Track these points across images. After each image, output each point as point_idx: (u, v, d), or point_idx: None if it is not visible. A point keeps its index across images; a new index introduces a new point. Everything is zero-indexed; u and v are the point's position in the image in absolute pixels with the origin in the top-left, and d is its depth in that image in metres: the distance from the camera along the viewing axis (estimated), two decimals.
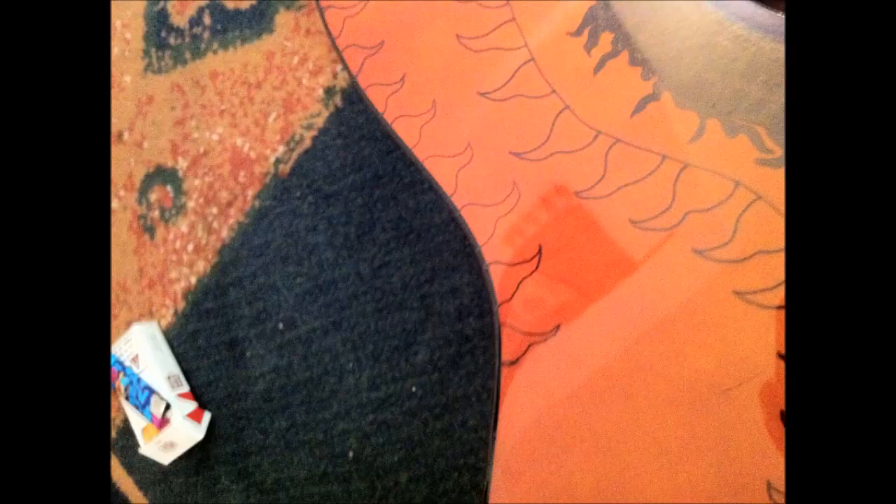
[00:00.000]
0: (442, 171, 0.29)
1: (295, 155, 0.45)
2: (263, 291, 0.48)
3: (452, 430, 0.44)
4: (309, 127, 0.44)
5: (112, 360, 0.52)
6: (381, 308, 0.45)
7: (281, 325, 0.48)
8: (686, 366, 0.22)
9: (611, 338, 0.24)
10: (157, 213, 0.52)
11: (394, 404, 0.46)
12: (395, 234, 0.44)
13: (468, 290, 0.43)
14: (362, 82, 0.31)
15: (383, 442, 0.47)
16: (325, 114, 0.44)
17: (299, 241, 0.47)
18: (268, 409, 0.50)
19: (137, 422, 0.52)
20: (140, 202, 0.53)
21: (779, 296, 0.21)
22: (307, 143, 0.44)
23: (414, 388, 0.45)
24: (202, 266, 0.51)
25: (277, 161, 0.46)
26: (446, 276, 0.43)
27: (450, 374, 0.44)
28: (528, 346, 0.26)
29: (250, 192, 0.47)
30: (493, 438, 0.28)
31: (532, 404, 0.26)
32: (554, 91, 0.26)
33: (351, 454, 0.48)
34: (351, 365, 0.47)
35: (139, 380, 0.51)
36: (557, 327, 0.26)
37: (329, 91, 0.43)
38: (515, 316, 0.27)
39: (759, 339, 0.21)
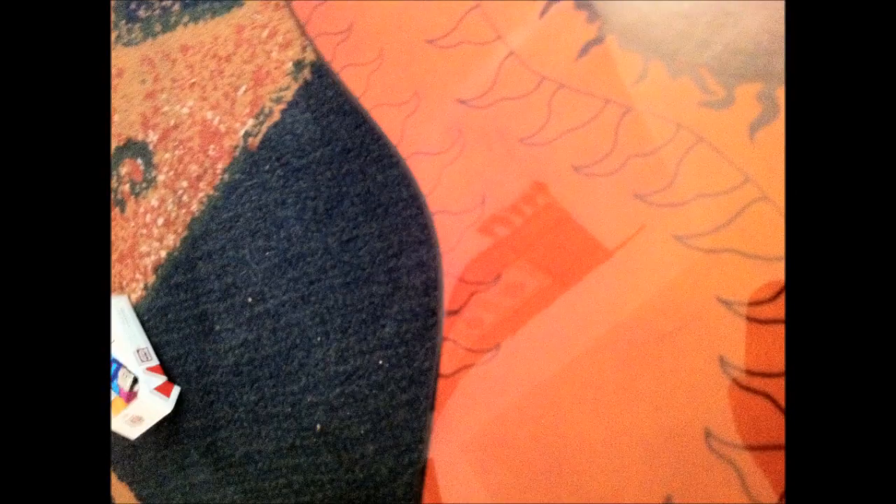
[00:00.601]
0: (388, 121, 0.29)
1: (264, 128, 0.45)
2: (233, 265, 0.48)
3: (418, 403, 0.45)
4: (278, 100, 0.44)
5: None
6: (348, 282, 0.45)
7: (250, 300, 0.48)
8: (625, 311, 0.22)
9: (548, 282, 0.25)
10: (127, 187, 0.52)
11: (361, 377, 0.46)
12: (363, 208, 0.44)
13: (434, 265, 0.43)
14: (310, 32, 0.31)
15: (350, 415, 0.47)
16: (294, 87, 0.44)
17: (268, 215, 0.47)
18: (237, 382, 0.50)
19: None
20: (111, 175, 0.53)
21: (718, 240, 0.21)
22: (276, 116, 0.45)
23: (381, 361, 0.46)
24: (172, 240, 0.51)
25: (247, 134, 0.46)
26: (413, 251, 0.44)
27: (416, 347, 0.44)
28: (472, 295, 0.27)
29: (220, 166, 0.47)
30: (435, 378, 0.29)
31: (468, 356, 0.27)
32: (499, 37, 0.26)
33: (318, 427, 0.48)
34: (319, 339, 0.47)
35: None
36: (499, 276, 0.26)
37: (298, 64, 0.43)
38: (460, 266, 0.27)
39: (699, 283, 0.21)
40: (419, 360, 0.44)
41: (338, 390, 0.47)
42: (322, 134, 0.44)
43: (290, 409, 0.49)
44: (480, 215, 0.27)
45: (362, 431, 0.47)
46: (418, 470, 0.46)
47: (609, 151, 0.24)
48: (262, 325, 0.48)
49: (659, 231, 0.22)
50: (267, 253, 0.47)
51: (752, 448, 0.19)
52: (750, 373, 0.19)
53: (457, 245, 0.29)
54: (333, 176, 0.44)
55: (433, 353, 0.44)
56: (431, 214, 0.28)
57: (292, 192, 0.46)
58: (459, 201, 0.27)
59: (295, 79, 0.44)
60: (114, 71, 0.51)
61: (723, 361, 0.20)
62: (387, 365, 0.46)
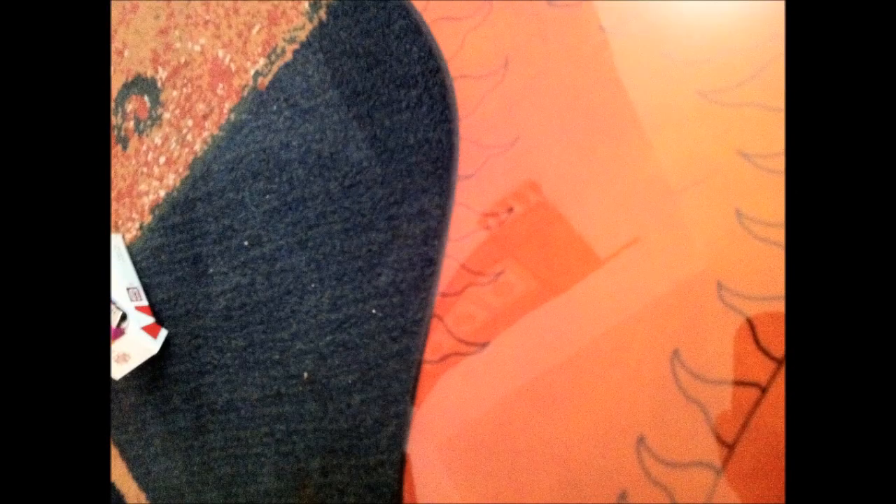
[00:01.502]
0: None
1: (275, 68, 0.45)
2: (231, 207, 0.48)
3: (408, 354, 0.44)
4: (291, 40, 0.44)
5: None
6: (347, 228, 0.45)
7: (246, 243, 0.48)
8: (646, 166, 0.22)
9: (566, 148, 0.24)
10: (131, 124, 0.52)
11: (353, 325, 0.46)
12: (368, 153, 0.44)
13: (436, 213, 0.43)
14: None
15: (339, 363, 0.46)
16: (309, 27, 0.44)
17: (271, 158, 0.47)
18: (226, 327, 0.50)
19: None
20: (115, 112, 0.52)
21: (741, 95, 0.21)
22: (288, 56, 0.45)
23: (374, 311, 0.45)
24: (172, 179, 0.50)
25: (257, 74, 0.46)
26: (415, 199, 0.44)
27: (411, 297, 0.44)
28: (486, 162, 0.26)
29: (227, 105, 0.47)
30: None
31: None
32: None
33: (306, 375, 0.47)
34: (313, 285, 0.47)
35: None
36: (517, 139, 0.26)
37: (314, 5, 0.44)
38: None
39: (720, 137, 0.21)
40: (412, 310, 0.44)
41: (328, 338, 0.47)
42: (333, 76, 0.44)
43: (278, 357, 0.48)
44: (502, 78, 0.27)
45: (350, 381, 0.46)
46: (397, 463, 0.45)
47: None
48: (256, 270, 0.48)
49: (682, 86, 0.22)
50: (267, 196, 0.47)
51: (763, 298, 0.19)
52: (766, 224, 0.19)
53: (475, 109, 0.28)
54: (341, 119, 0.44)
55: (427, 305, 0.44)
56: (451, 79, 0.28)
57: (298, 134, 0.46)
58: (481, 66, 0.27)
59: (310, 19, 0.44)
60: (128, 6, 0.51)
61: (739, 214, 0.20)
62: (380, 314, 0.45)
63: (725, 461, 0.20)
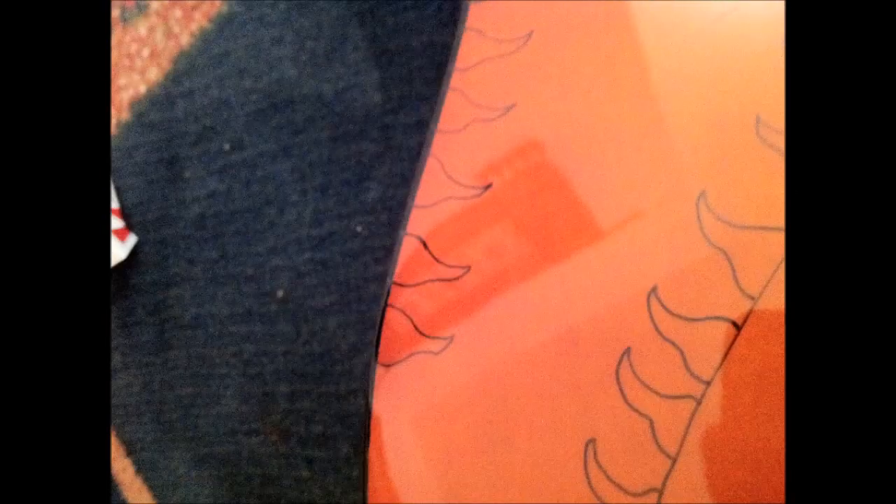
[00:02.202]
0: None
1: None
2: (214, 107, 0.45)
3: (390, 277, 0.41)
4: None
5: None
6: (337, 136, 0.42)
7: (227, 146, 0.45)
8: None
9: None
10: (117, 13, 0.48)
11: (335, 243, 0.43)
12: (366, 54, 0.41)
13: (433, 127, 0.40)
14: None
15: (317, 283, 0.43)
16: None
17: (262, 54, 0.43)
18: (199, 237, 0.46)
19: None
20: None
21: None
22: None
23: (359, 228, 0.42)
24: (154, 74, 0.46)
25: None
26: (413, 108, 0.40)
27: (398, 215, 0.41)
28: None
29: None
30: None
31: None
32: None
33: (280, 293, 0.44)
34: (295, 196, 0.43)
35: None
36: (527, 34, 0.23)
37: None
38: None
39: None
40: (400, 229, 0.41)
41: (307, 255, 0.43)
42: None
43: (252, 272, 0.45)
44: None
45: (327, 302, 0.43)
46: (363, 420, 0.42)
47: None
48: (235, 176, 0.45)
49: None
50: (253, 96, 0.43)
51: None
52: None
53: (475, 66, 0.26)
54: (340, 14, 0.41)
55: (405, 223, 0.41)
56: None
57: (292, 29, 0.42)
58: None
59: None
60: None
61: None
62: (365, 233, 0.42)
63: (746, 317, 0.17)
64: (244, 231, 0.45)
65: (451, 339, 0.23)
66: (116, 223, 0.47)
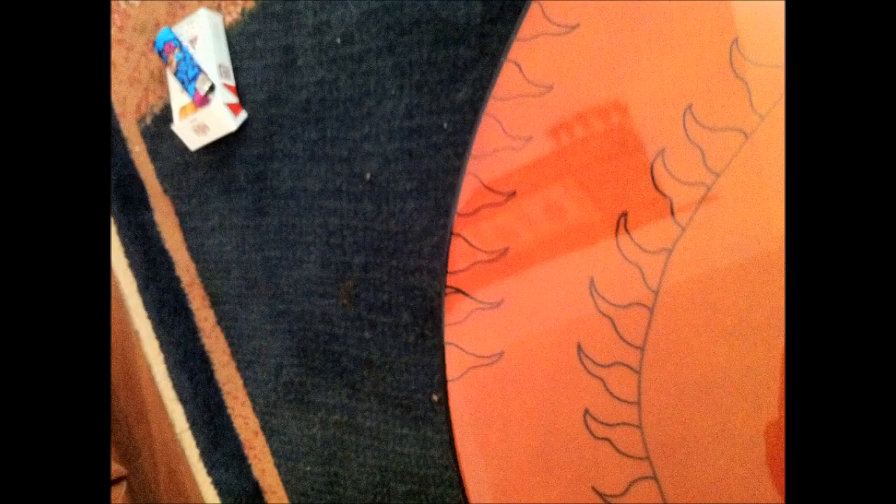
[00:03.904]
0: None
1: None
2: (331, 3, 0.50)
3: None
4: None
5: (171, 37, 0.54)
6: (438, 39, 0.47)
7: (339, 40, 0.50)
8: None
9: None
10: None
11: (422, 136, 0.48)
12: None
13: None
14: None
15: (401, 170, 0.49)
16: None
17: None
18: (303, 118, 0.52)
19: (178, 99, 0.55)
20: None
21: None
22: None
23: (445, 125, 0.48)
24: None
25: None
26: (511, 20, 0.45)
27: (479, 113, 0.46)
28: None
29: None
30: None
31: None
32: None
33: (368, 175, 0.50)
34: (393, 91, 0.49)
35: (192, 58, 0.53)
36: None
37: None
38: None
39: None
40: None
41: (397, 144, 0.49)
42: None
43: (346, 154, 0.51)
44: None
45: (408, 188, 0.49)
46: (434, 271, 0.48)
47: None
48: (342, 68, 0.50)
49: None
50: None
51: None
52: None
53: None
54: None
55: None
56: None
57: None
58: None
59: None
60: None
61: None
62: (449, 129, 0.47)
63: (756, 128, 0.23)
64: (344, 117, 0.51)
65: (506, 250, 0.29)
66: (231, 98, 0.54)
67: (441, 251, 0.48)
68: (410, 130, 0.49)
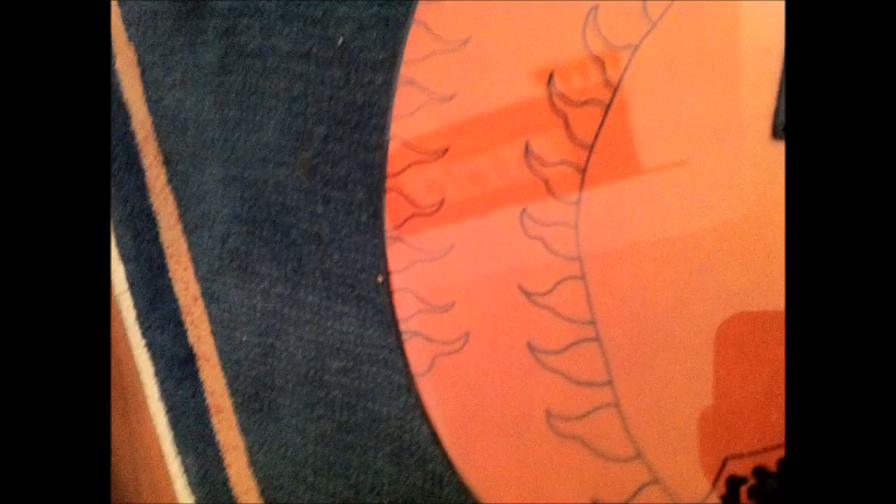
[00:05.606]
0: None
1: None
2: None
3: None
4: None
5: None
6: None
7: None
8: None
9: None
10: None
11: (402, 2, 0.46)
12: None
13: None
14: None
15: (376, 37, 0.47)
16: None
17: None
18: None
19: None
20: None
21: None
22: None
23: None
24: None
25: None
26: None
27: None
28: None
29: None
30: None
31: None
32: None
33: (341, 40, 0.48)
34: None
35: None
36: None
37: None
38: None
39: None
40: None
41: (374, 9, 0.47)
42: None
43: (320, 14, 0.48)
44: None
45: (380, 58, 0.47)
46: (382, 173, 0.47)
47: None
48: None
49: None
50: None
51: None
52: None
53: None
54: None
55: None
56: None
57: None
58: None
59: None
60: None
61: None
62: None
63: None
64: None
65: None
66: None
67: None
68: None
